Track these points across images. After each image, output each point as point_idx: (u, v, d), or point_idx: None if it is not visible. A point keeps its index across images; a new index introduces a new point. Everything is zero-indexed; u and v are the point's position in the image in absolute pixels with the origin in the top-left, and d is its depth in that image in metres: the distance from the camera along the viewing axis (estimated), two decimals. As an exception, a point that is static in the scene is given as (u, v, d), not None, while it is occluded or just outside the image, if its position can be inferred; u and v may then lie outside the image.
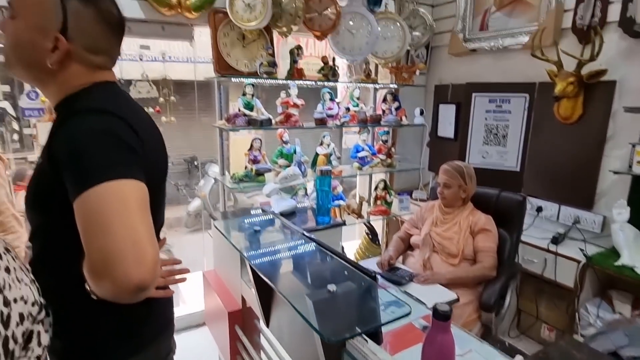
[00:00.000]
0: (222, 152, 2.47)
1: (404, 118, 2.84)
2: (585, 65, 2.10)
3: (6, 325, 0.52)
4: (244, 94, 2.35)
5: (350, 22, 2.52)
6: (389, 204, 2.95)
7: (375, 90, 3.06)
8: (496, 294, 1.89)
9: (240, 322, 1.76)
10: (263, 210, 1.82)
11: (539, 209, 2.49)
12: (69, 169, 0.72)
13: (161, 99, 2.26)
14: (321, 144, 2.63)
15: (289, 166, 2.48)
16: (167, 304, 1.04)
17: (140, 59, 2.16)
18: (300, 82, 2.45)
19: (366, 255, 3.02)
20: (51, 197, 0.78)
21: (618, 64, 2.07)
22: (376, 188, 2.97)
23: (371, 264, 2.06)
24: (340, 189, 2.78)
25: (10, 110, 4.54)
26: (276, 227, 1.67)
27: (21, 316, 0.56)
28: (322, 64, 2.53)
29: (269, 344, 1.61)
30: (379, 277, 1.72)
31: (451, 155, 2.94)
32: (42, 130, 1.96)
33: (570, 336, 2.08)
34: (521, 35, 2.45)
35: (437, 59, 3.11)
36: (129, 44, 2.20)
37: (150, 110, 2.27)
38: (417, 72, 2.84)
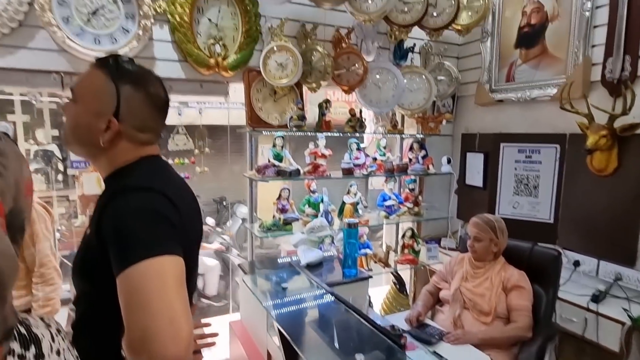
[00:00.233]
0: (252, 201, 2.54)
1: (431, 167, 2.85)
2: (617, 118, 2.07)
3: None
4: (274, 145, 2.44)
5: (377, 76, 2.61)
6: (417, 253, 2.89)
7: (402, 138, 3.10)
8: (533, 357, 1.80)
9: (265, 378, 1.74)
10: (290, 264, 1.83)
11: (576, 263, 2.38)
12: (114, 245, 0.78)
13: (196, 151, 2.38)
14: (348, 192, 2.66)
15: (316, 215, 2.51)
16: None
17: (179, 114, 2.30)
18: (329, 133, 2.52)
19: (394, 305, 2.94)
20: (97, 268, 0.84)
21: (652, 117, 2.03)
22: (403, 236, 2.94)
23: (399, 320, 2.01)
24: (366, 237, 2.77)
25: (57, 153, 4.88)
26: (303, 283, 1.67)
27: None
28: (348, 109, 2.61)
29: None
30: (407, 335, 1.68)
31: (480, 203, 2.90)
32: (86, 181, 2.08)
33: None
34: (549, 87, 2.45)
35: (464, 108, 3.14)
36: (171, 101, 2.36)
37: (185, 161, 2.38)
38: (444, 122, 2.87)
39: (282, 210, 2.46)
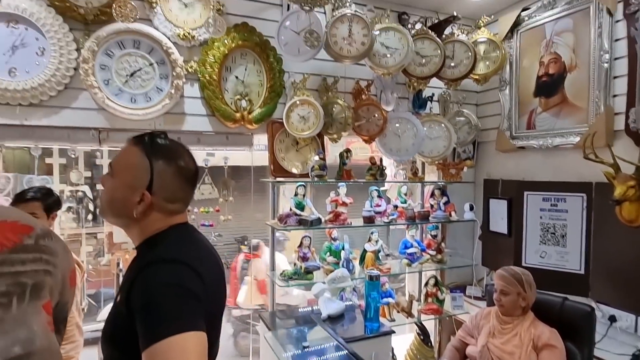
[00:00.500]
0: (273, 250, 2.56)
1: (453, 213, 2.82)
2: (645, 168, 2.02)
3: None
4: (296, 194, 2.49)
5: (397, 125, 2.67)
6: (441, 302, 2.81)
7: (423, 185, 3.11)
8: None
9: None
10: (311, 318, 1.82)
11: (612, 319, 2.26)
12: (141, 320, 0.83)
13: (220, 200, 2.45)
14: (369, 240, 2.66)
15: (337, 263, 2.51)
16: None
17: (205, 165, 2.40)
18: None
19: (418, 358, 2.83)
20: (125, 336, 0.87)
21: (682, 168, 1.97)
22: (426, 284, 2.87)
23: (424, 378, 1.94)
24: (388, 285, 2.72)
25: (88, 193, 5.11)
26: (325, 339, 1.65)
27: None
28: (368, 149, 2.64)
29: None
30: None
31: (506, 251, 2.83)
32: (116, 230, 2.17)
33: None
34: (571, 136, 2.44)
35: (485, 153, 3.14)
36: (198, 153, 2.48)
37: (210, 209, 2.45)
38: (465, 169, 2.87)
39: (304, 259, 2.47)
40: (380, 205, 2.67)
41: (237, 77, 2.37)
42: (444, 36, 2.68)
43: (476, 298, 2.93)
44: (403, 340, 3.08)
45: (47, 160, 4.01)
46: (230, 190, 2.49)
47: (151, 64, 2.16)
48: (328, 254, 2.57)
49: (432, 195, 2.92)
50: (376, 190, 2.68)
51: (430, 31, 2.60)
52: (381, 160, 2.66)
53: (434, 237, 2.90)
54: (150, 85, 2.17)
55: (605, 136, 2.22)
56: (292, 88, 2.46)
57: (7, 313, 0.48)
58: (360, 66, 2.53)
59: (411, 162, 2.79)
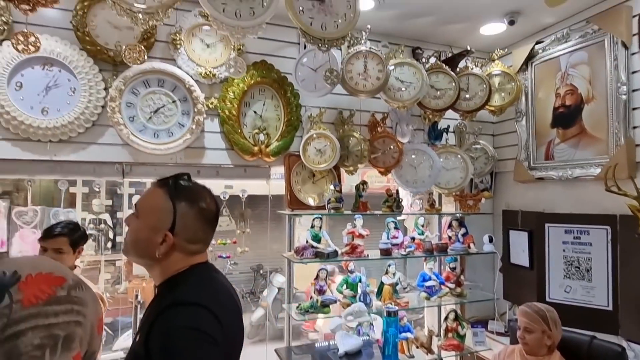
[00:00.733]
0: (290, 282, 2.55)
1: (472, 245, 2.77)
2: (671, 201, 1.97)
3: None
4: (312, 226, 2.49)
5: (413, 156, 2.68)
6: (462, 337, 2.72)
7: (440, 216, 3.07)
8: None
9: None
10: (328, 355, 1.79)
11: (645, 359, 2.14)
12: None
13: (238, 231, 2.48)
14: (386, 273, 2.62)
15: (354, 297, 2.47)
16: None
17: (223, 198, 2.44)
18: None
19: (439, 397, 2.72)
20: None
21: None
22: (446, 319, 2.79)
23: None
24: (406, 319, 2.66)
25: (109, 221, 5.24)
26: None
27: None
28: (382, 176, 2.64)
29: None
30: None
31: (528, 284, 2.75)
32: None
33: None
34: (592, 167, 2.40)
35: (503, 184, 3.10)
36: (217, 185, 2.53)
37: (227, 241, 2.47)
38: (483, 200, 2.84)
39: (320, 292, 2.44)
40: (397, 237, 2.64)
41: (255, 112, 2.45)
42: (458, 69, 2.73)
43: (499, 334, 2.83)
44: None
45: (71, 190, 4.15)
46: (247, 222, 2.51)
47: (174, 101, 2.25)
48: (345, 286, 2.54)
49: (450, 226, 2.88)
50: (393, 221, 2.67)
51: (444, 65, 2.64)
52: (397, 191, 2.66)
53: (453, 269, 2.84)
54: (173, 121, 2.25)
55: (627, 168, 2.18)
56: (309, 122, 2.51)
57: None
58: (376, 99, 2.58)
59: (428, 194, 2.78)
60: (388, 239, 2.61)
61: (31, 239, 2.33)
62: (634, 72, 2.22)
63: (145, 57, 1.82)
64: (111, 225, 5.24)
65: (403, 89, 2.49)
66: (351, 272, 2.57)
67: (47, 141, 2.07)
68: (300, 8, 1.87)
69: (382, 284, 2.63)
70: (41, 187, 4.14)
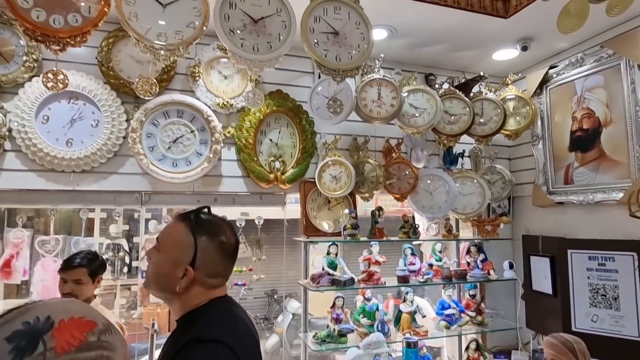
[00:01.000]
0: (306, 309, 2.52)
1: (491, 272, 2.71)
2: (700, 227, 1.90)
3: None
4: (328, 253, 2.48)
5: (428, 182, 2.67)
6: (485, 369, 2.63)
7: (458, 241, 3.02)
8: None
9: None
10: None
11: (683, 395, 2.02)
12: None
13: (254, 259, 2.48)
14: (404, 300, 2.57)
15: (372, 325, 2.42)
16: None
17: (240, 225, 2.46)
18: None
19: None
20: None
21: None
22: (467, 349, 2.70)
23: None
24: (426, 349, 2.58)
25: (125, 246, 5.30)
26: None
27: None
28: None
29: None
30: None
31: (552, 313, 2.65)
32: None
33: None
34: (613, 191, 2.35)
35: (521, 208, 3.05)
36: (234, 212, 2.55)
37: (243, 268, 2.47)
38: (501, 225, 2.79)
39: (337, 320, 2.40)
40: (414, 264, 2.60)
41: (271, 140, 2.48)
42: (472, 94, 2.74)
43: (523, 365, 2.72)
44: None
45: (90, 215, 4.23)
46: (262, 249, 2.51)
47: (192, 131, 2.31)
48: (362, 315, 2.49)
49: (468, 252, 2.82)
50: (409, 248, 2.63)
51: (457, 90, 2.66)
52: (413, 217, 2.64)
53: (473, 296, 2.77)
54: (191, 151, 2.30)
55: (651, 193, 2.13)
56: (324, 148, 2.54)
57: None
58: (390, 125, 2.60)
59: (445, 219, 2.74)
60: (405, 265, 2.57)
61: (52, 267, 2.37)
62: (652, 95, 2.20)
63: (157, 89, 1.87)
64: (127, 250, 5.30)
65: (417, 115, 2.50)
66: (368, 299, 2.52)
67: (70, 172, 2.13)
68: (315, 41, 1.92)
69: (400, 312, 2.57)
70: (61, 213, 4.24)
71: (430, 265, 2.64)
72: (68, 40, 1.57)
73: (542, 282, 2.76)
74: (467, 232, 3.06)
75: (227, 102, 2.37)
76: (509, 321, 2.84)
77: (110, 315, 2.13)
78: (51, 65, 1.88)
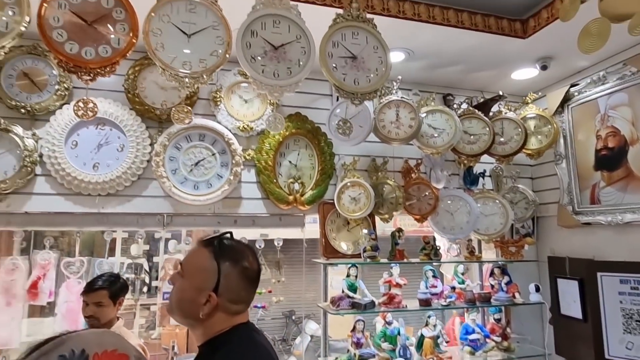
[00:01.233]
0: (325, 333, 2.48)
1: (517, 295, 2.62)
2: None
3: None
4: (348, 275, 2.45)
5: (449, 202, 2.63)
6: (513, 398, 2.51)
7: (481, 263, 2.95)
8: None
9: None
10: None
11: None
12: None
13: (273, 280, 2.47)
14: (426, 325, 2.50)
15: (393, 350, 2.36)
16: None
17: (259, 247, 2.46)
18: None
19: None
20: None
21: None
22: (494, 376, 2.60)
23: None
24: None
25: (145, 266, 5.36)
26: None
27: None
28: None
29: None
30: None
31: (583, 339, 2.54)
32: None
33: None
34: (644, 212, 2.27)
35: (546, 229, 2.96)
36: (253, 233, 2.57)
37: (263, 290, 2.46)
38: (526, 247, 2.71)
39: (357, 345, 2.35)
40: (436, 287, 2.54)
41: (290, 162, 2.51)
42: (491, 114, 2.72)
43: (554, 394, 2.59)
44: None
45: (112, 235, 4.31)
46: (282, 271, 2.51)
47: (213, 154, 2.35)
48: (383, 339, 2.44)
49: (492, 274, 2.75)
50: (431, 270, 2.58)
51: (476, 110, 2.64)
52: (434, 238, 2.59)
53: (498, 320, 2.67)
54: (212, 173, 2.34)
55: (685, 213, 2.04)
56: (343, 170, 2.54)
57: None
58: (409, 145, 2.59)
59: (467, 241, 2.69)
60: (427, 288, 2.52)
61: (76, 289, 2.41)
62: (680, 113, 2.14)
63: (192, 117, 1.93)
64: (147, 270, 5.36)
65: (436, 135, 2.50)
66: (389, 323, 2.47)
67: (96, 195, 2.19)
68: (334, 65, 1.95)
69: (422, 337, 2.50)
70: (84, 233, 4.35)
71: (453, 288, 2.57)
72: (98, 70, 1.64)
73: (572, 306, 2.66)
74: (490, 253, 2.98)
75: (248, 125, 2.41)
76: (537, 347, 2.73)
77: (132, 337, 2.14)
78: (81, 93, 1.96)
